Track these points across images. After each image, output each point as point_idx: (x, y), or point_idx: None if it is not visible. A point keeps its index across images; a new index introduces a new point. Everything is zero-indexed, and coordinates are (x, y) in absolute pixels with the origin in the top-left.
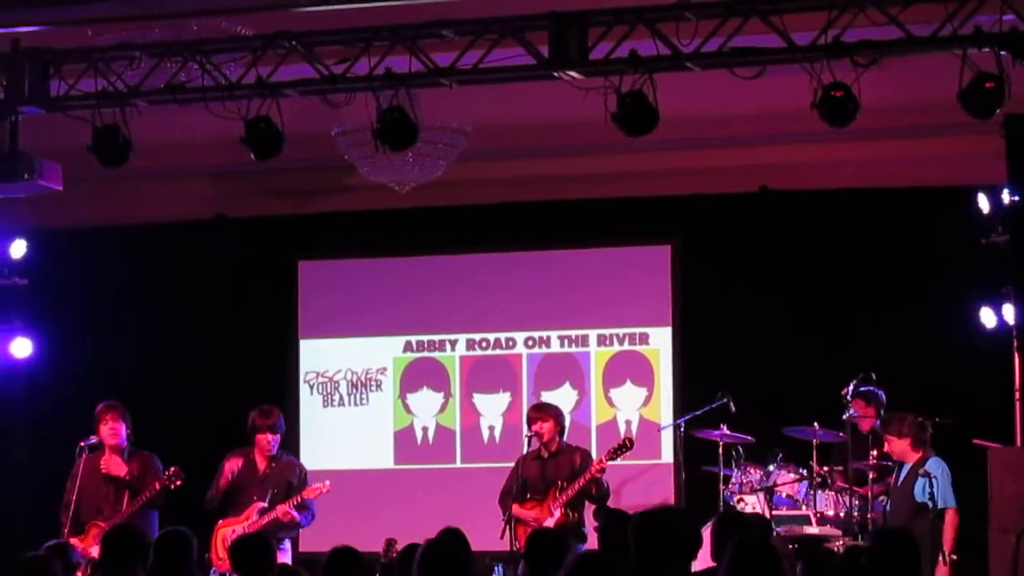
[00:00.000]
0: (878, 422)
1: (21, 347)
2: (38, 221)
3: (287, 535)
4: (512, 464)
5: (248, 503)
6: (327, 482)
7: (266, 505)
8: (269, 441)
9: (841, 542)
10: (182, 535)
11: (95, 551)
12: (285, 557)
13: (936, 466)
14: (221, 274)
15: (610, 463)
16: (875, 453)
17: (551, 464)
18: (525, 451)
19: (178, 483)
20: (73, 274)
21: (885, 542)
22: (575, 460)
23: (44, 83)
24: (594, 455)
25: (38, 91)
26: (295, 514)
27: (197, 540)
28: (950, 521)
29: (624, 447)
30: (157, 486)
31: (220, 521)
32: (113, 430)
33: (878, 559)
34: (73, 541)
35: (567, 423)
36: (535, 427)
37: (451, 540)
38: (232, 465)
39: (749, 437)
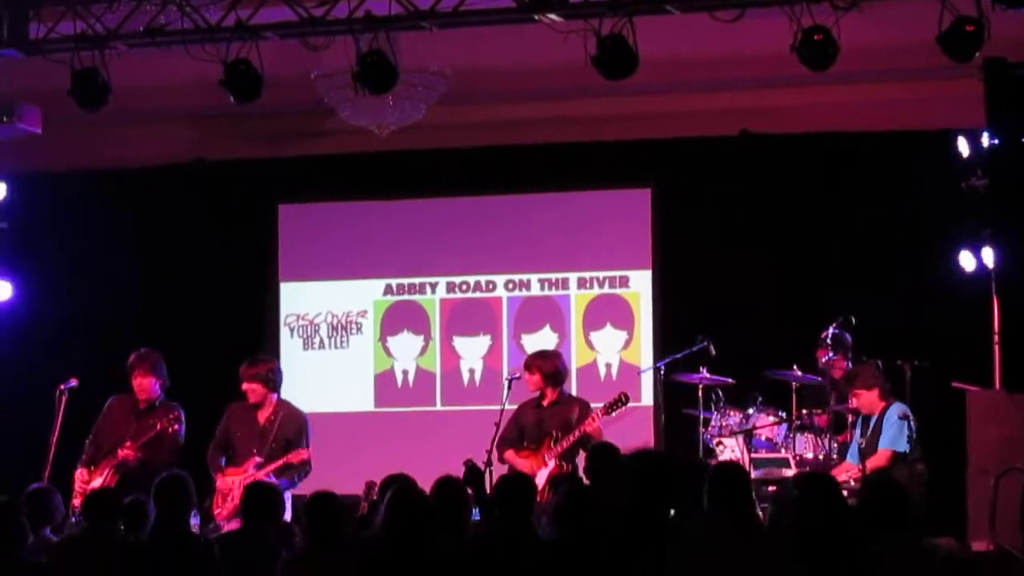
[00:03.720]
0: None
1: (1, 290)
2: (18, 164)
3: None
4: (497, 408)
5: (247, 456)
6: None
7: (262, 460)
8: (247, 390)
9: None
10: (180, 478)
11: (97, 482)
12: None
13: (902, 411)
14: (201, 217)
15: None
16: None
17: (548, 414)
18: (506, 394)
19: (175, 427)
20: (53, 217)
21: (876, 492)
22: (572, 412)
23: (23, 26)
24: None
25: (17, 34)
26: (273, 480)
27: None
28: (883, 457)
29: (620, 402)
30: (158, 426)
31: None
32: (141, 386)
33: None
34: (81, 471)
35: (564, 373)
36: (523, 374)
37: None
38: (229, 414)
39: (729, 380)
